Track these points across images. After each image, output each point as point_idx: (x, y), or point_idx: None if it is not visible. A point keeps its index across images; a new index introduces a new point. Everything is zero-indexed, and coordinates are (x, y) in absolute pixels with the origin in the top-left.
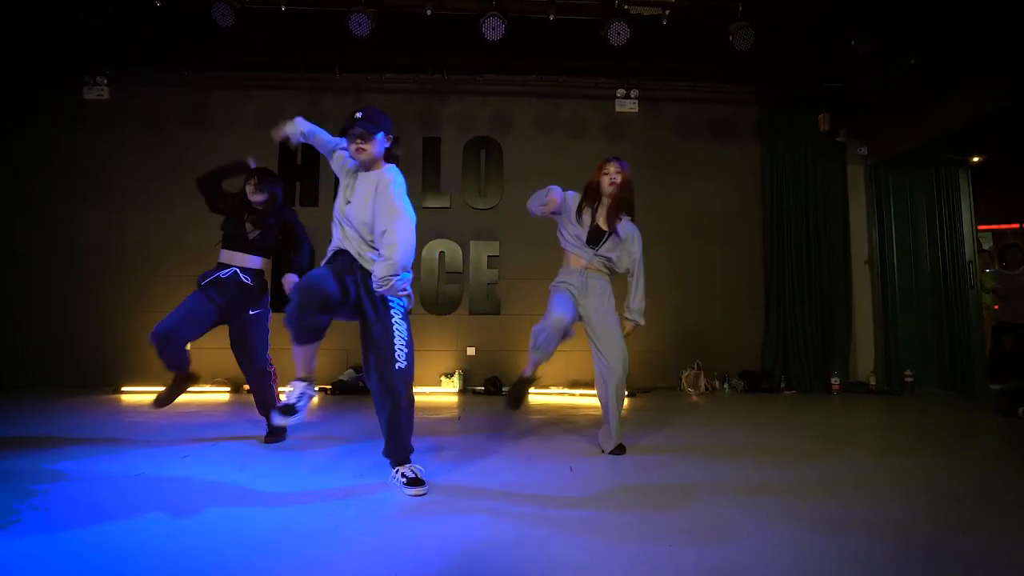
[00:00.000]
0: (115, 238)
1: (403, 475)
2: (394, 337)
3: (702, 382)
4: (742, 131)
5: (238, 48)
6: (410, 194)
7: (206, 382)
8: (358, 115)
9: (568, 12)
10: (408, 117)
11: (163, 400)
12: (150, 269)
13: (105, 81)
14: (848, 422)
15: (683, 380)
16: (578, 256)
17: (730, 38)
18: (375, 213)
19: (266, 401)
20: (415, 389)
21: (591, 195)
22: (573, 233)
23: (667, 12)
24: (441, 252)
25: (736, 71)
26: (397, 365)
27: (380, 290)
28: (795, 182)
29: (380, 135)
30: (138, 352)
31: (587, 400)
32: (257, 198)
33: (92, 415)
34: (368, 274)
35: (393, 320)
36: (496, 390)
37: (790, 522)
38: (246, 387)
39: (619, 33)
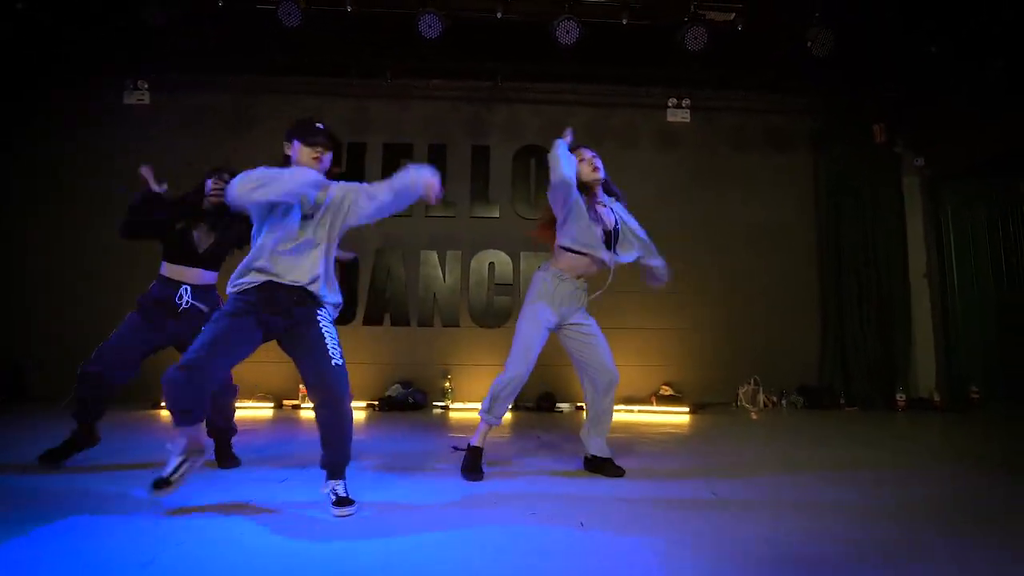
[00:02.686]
0: (154, 244)
1: (334, 492)
2: (324, 337)
3: (761, 398)
4: (796, 141)
5: (284, 52)
6: (458, 202)
7: (249, 397)
8: (320, 126)
9: (641, 16)
10: (456, 124)
11: (56, 456)
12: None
13: (146, 85)
14: (965, 442)
15: (740, 396)
16: (587, 260)
17: (808, 43)
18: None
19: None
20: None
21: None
22: (585, 229)
23: (733, 17)
24: (491, 263)
25: (790, 80)
26: (333, 362)
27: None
28: (851, 193)
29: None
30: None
31: (642, 418)
32: (217, 197)
33: (141, 433)
34: (292, 289)
35: (320, 323)
36: (550, 406)
37: None
38: (289, 402)
39: (696, 38)
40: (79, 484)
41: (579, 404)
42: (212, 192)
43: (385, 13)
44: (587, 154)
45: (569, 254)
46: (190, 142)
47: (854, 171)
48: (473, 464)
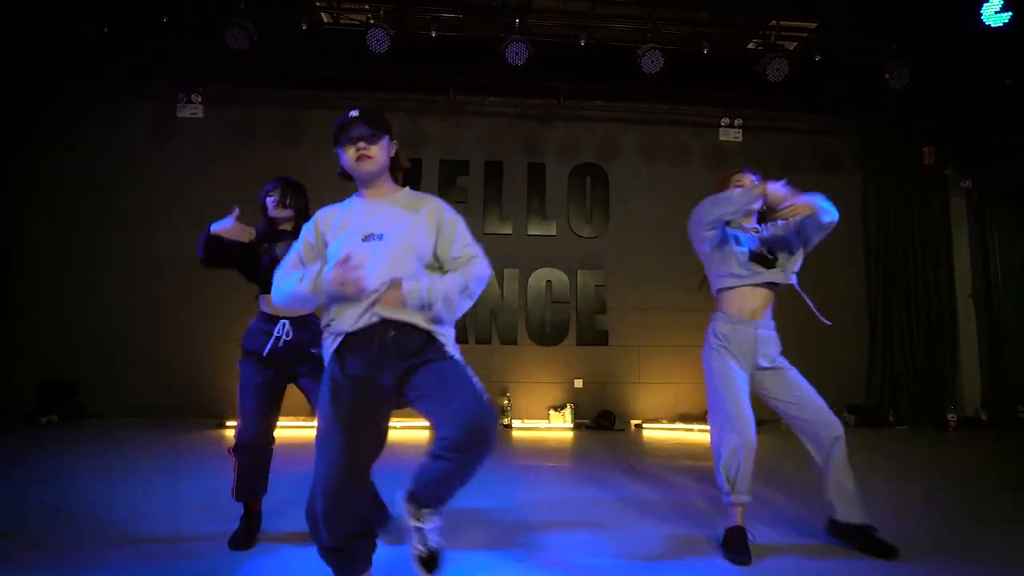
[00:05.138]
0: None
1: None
2: (464, 375)
3: None
4: (845, 161)
5: (337, 66)
6: (515, 220)
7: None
8: (353, 113)
9: (719, 46)
10: (512, 141)
11: (241, 543)
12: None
13: (199, 99)
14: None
15: None
16: (750, 289)
17: (886, 76)
18: (436, 242)
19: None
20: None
21: None
22: (741, 253)
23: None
24: (548, 281)
25: (840, 102)
26: (485, 397)
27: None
28: (898, 213)
29: (386, 138)
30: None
31: (701, 436)
32: (283, 214)
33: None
34: (406, 329)
35: (453, 359)
36: (609, 425)
37: None
38: None
39: (778, 70)
40: None
41: (637, 423)
42: (275, 214)
43: (469, 38)
44: (745, 180)
45: (727, 292)
46: (242, 156)
47: (902, 192)
48: (738, 545)
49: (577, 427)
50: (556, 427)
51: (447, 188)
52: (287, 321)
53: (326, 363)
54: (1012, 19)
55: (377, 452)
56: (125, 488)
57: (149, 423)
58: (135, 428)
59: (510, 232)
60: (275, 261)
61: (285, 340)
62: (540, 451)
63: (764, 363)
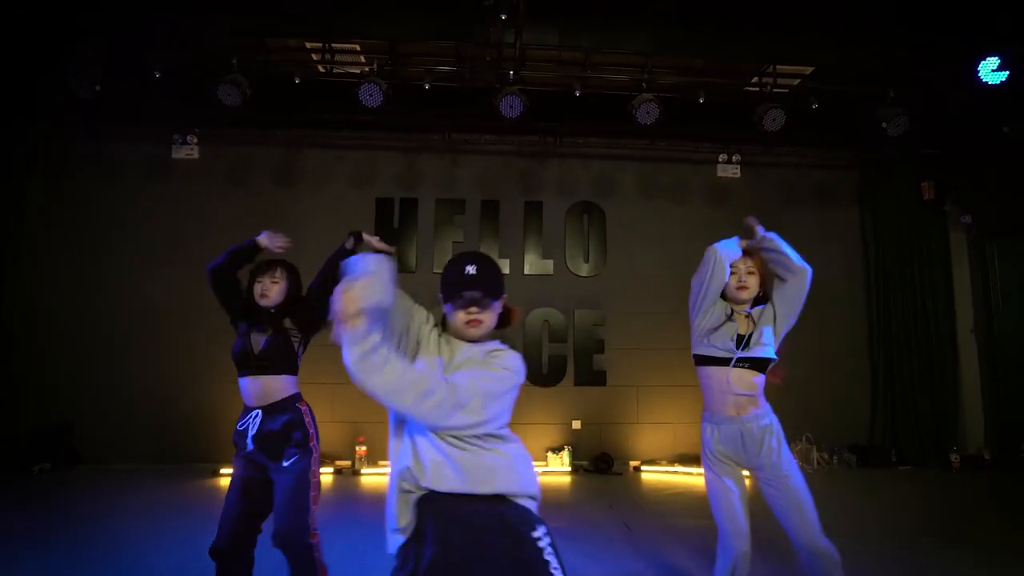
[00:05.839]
0: (200, 301)
1: None
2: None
3: (814, 456)
4: (844, 197)
5: (331, 106)
6: (512, 259)
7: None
8: (470, 270)
9: (714, 93)
10: (509, 180)
11: None
12: None
13: (195, 140)
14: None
15: (794, 455)
16: (718, 373)
17: (883, 124)
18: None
19: None
20: None
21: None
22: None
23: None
24: (545, 320)
25: (837, 136)
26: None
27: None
28: (898, 249)
29: (498, 302)
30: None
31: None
32: (270, 299)
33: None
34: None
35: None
36: (607, 468)
37: None
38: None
39: (775, 120)
40: None
41: (635, 464)
42: (262, 300)
43: (459, 88)
44: (741, 267)
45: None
46: (238, 197)
47: (902, 227)
48: None
49: (575, 470)
50: (554, 470)
51: (443, 227)
52: (259, 411)
53: None
54: (1009, 77)
55: None
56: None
57: (144, 470)
58: (131, 476)
59: (507, 272)
60: (247, 345)
61: (252, 434)
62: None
63: (761, 465)
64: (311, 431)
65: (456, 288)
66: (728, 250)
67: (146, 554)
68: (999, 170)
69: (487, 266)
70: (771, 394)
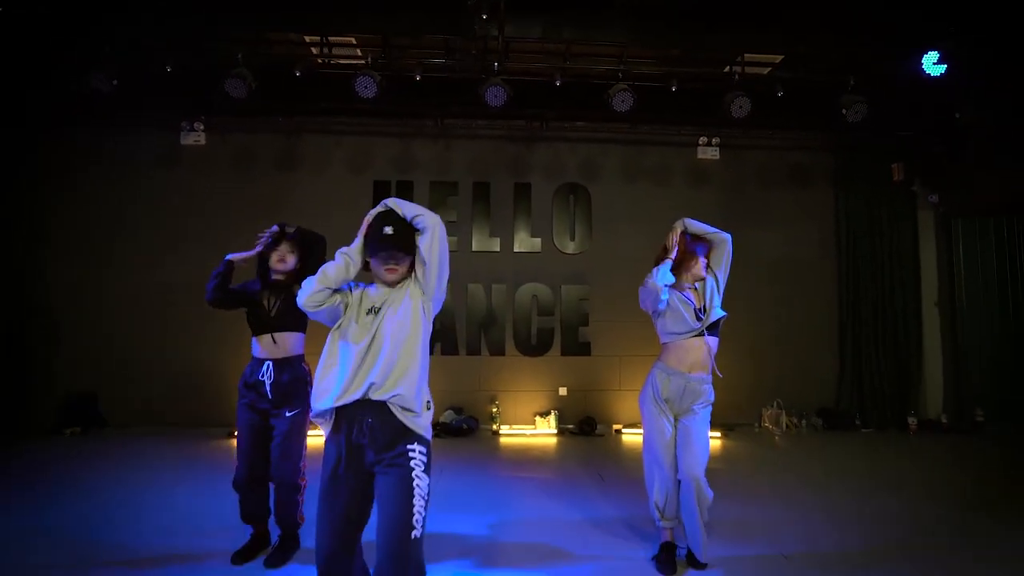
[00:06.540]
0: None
1: None
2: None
3: (783, 420)
4: (819, 177)
5: (329, 94)
6: (503, 238)
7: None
8: (387, 231)
9: (686, 81)
10: (499, 163)
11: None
12: None
13: (202, 127)
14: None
15: (764, 418)
16: (686, 342)
17: (843, 111)
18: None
19: (287, 517)
20: None
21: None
22: (679, 311)
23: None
24: (534, 295)
25: (812, 120)
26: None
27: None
28: (869, 228)
29: (410, 256)
30: None
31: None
32: (287, 264)
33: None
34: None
35: (413, 470)
36: (591, 430)
37: None
38: None
39: (741, 107)
40: None
41: (617, 427)
42: (276, 266)
43: (449, 78)
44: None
45: (671, 344)
46: (243, 182)
47: (872, 206)
48: (667, 558)
49: (561, 432)
50: (541, 432)
51: (437, 208)
52: (271, 362)
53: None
54: (947, 71)
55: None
56: (147, 501)
57: (165, 433)
58: (153, 438)
59: (497, 249)
60: (262, 309)
61: (268, 382)
62: (524, 459)
63: (685, 412)
64: (310, 390)
65: (377, 246)
66: (663, 278)
67: (172, 496)
68: (959, 154)
69: (401, 226)
70: (747, 363)
